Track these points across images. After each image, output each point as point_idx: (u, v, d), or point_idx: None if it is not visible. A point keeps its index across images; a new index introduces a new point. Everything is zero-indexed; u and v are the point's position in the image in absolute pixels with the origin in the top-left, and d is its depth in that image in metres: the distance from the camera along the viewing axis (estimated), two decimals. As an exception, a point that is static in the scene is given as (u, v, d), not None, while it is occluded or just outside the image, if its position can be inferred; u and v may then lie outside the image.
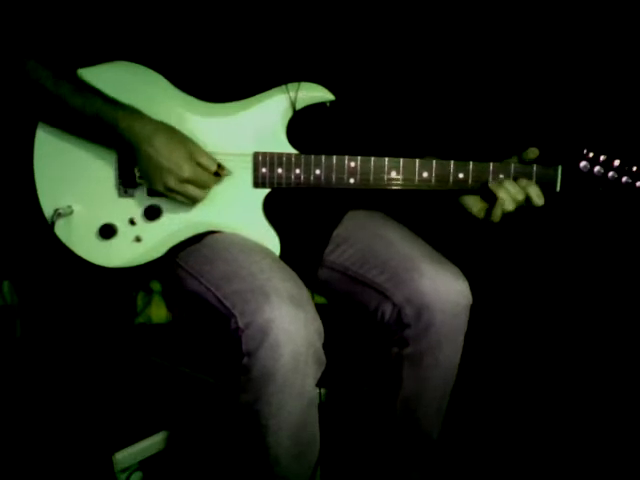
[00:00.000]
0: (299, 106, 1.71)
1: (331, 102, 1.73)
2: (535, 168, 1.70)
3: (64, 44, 1.68)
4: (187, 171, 1.63)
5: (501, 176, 1.70)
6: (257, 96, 1.72)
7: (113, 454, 2.05)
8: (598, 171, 1.69)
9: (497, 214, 1.71)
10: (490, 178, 1.71)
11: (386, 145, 1.85)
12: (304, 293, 1.60)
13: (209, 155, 1.67)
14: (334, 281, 1.87)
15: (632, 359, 2.64)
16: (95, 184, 1.72)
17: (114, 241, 1.72)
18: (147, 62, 1.69)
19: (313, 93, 1.71)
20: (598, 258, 2.67)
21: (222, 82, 1.72)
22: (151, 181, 1.67)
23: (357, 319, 1.87)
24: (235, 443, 1.69)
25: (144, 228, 1.73)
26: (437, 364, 1.77)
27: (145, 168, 1.66)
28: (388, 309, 1.77)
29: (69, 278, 1.88)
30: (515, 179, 1.69)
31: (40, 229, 1.72)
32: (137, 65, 1.69)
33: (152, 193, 1.71)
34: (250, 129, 1.71)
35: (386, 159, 1.71)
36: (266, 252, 1.70)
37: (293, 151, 1.71)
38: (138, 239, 1.73)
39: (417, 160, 1.71)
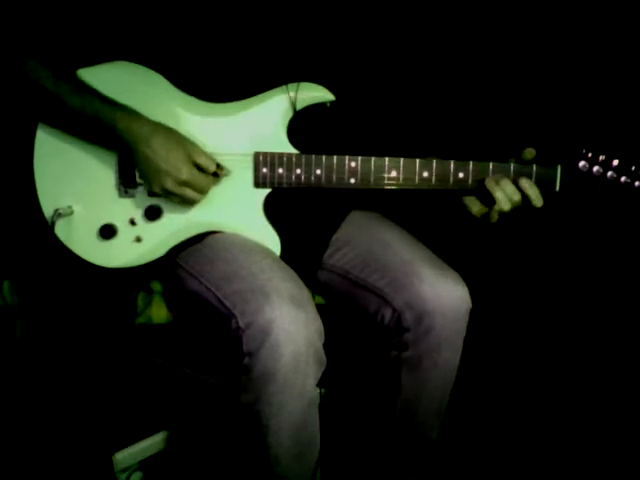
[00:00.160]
0: (299, 106, 1.71)
1: (331, 102, 1.73)
2: (534, 168, 1.70)
3: (64, 44, 1.68)
4: (185, 174, 1.64)
5: (499, 175, 1.70)
6: (258, 96, 1.72)
7: (113, 454, 2.05)
8: (597, 171, 1.70)
9: (493, 214, 1.71)
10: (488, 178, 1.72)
11: (386, 145, 1.85)
12: (305, 293, 1.61)
13: (208, 155, 1.68)
14: (334, 284, 1.88)
15: (632, 360, 2.64)
16: (95, 184, 1.72)
17: (114, 241, 1.72)
18: (147, 62, 1.69)
19: (313, 93, 1.71)
20: (597, 258, 2.67)
21: (222, 82, 1.73)
22: (149, 182, 1.67)
23: (357, 321, 1.87)
24: (235, 443, 1.69)
25: (144, 228, 1.73)
26: (436, 367, 1.78)
27: (143, 169, 1.66)
28: (388, 313, 1.77)
29: (69, 278, 1.88)
30: (515, 179, 1.70)
31: (40, 229, 1.72)
32: (137, 65, 1.69)
33: (152, 193, 1.70)
34: (251, 129, 1.71)
35: (386, 159, 1.71)
36: (266, 252, 1.70)
37: (294, 151, 1.71)
38: (138, 239, 1.73)
39: (417, 160, 1.71)
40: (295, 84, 1.71)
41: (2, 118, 1.72)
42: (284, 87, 1.71)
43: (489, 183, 1.70)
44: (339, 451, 2.00)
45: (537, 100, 2.50)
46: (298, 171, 1.71)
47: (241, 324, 1.52)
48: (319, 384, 1.61)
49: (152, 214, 1.72)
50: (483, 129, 2.48)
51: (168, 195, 1.67)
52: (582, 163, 1.70)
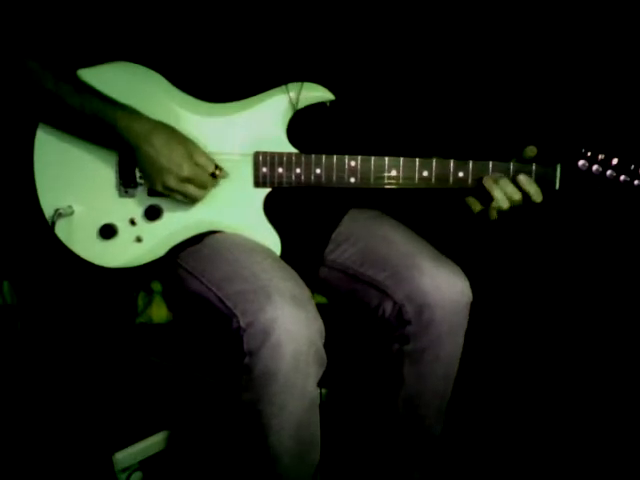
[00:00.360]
0: (299, 106, 1.71)
1: (331, 102, 1.73)
2: (534, 167, 1.71)
3: (64, 44, 1.68)
4: (186, 170, 1.64)
5: (498, 175, 1.71)
6: (257, 96, 1.72)
7: (113, 454, 2.05)
8: (597, 169, 1.70)
9: (492, 212, 1.71)
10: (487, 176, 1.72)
11: (386, 144, 1.86)
12: (305, 293, 1.61)
13: (207, 156, 1.68)
14: (335, 280, 1.88)
15: (631, 354, 2.64)
16: (95, 184, 1.72)
17: (115, 241, 1.72)
18: (147, 62, 1.69)
19: (313, 93, 1.72)
20: (597, 256, 2.68)
21: (222, 82, 1.73)
22: (151, 181, 1.67)
23: (358, 317, 1.87)
24: (236, 443, 1.69)
25: (145, 228, 1.73)
26: (438, 361, 1.78)
27: (145, 168, 1.66)
28: (389, 307, 1.77)
29: (69, 278, 1.87)
30: (514, 177, 1.70)
31: (40, 229, 1.72)
32: (137, 65, 1.69)
33: (152, 193, 1.71)
34: (251, 129, 1.71)
35: (386, 158, 1.71)
36: (267, 252, 1.70)
37: (293, 151, 1.71)
38: (139, 239, 1.73)
39: (417, 159, 1.71)
40: (295, 84, 1.71)
41: (2, 118, 1.72)
42: (284, 87, 1.71)
43: (487, 182, 1.70)
44: (340, 451, 2.00)
45: (537, 99, 2.50)
46: (298, 171, 1.71)
47: (242, 324, 1.52)
48: (320, 384, 1.61)
49: (152, 214, 1.72)
50: (483, 128, 2.48)
51: (170, 193, 1.67)
52: (582, 162, 1.70)
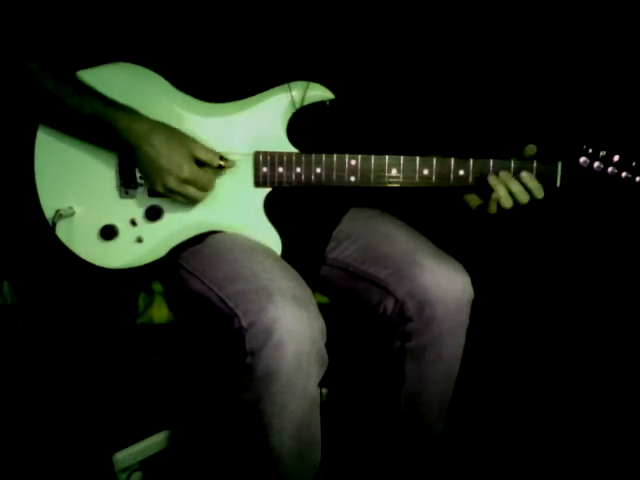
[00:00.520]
0: (299, 105, 1.71)
1: (331, 101, 1.73)
2: (535, 164, 1.71)
3: (64, 45, 1.68)
4: (187, 171, 1.63)
5: (503, 173, 1.70)
6: (257, 96, 1.72)
7: (113, 454, 2.05)
8: (598, 166, 1.70)
9: (492, 207, 1.71)
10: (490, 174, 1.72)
11: (386, 143, 1.86)
12: (307, 293, 1.61)
13: (209, 149, 1.67)
14: (336, 278, 1.88)
15: (631, 352, 2.64)
16: (96, 185, 1.72)
17: (115, 242, 1.72)
18: (147, 63, 1.69)
19: (313, 92, 1.71)
20: (598, 253, 2.68)
21: (222, 82, 1.72)
22: (151, 181, 1.67)
23: (359, 315, 1.87)
24: (237, 443, 1.69)
25: (145, 229, 1.73)
26: (440, 358, 1.78)
27: (145, 168, 1.66)
28: (390, 304, 1.77)
29: (70, 279, 1.87)
30: (516, 175, 1.70)
31: (41, 230, 1.72)
32: (137, 66, 1.69)
33: (153, 193, 1.71)
34: (250, 129, 1.71)
35: (386, 157, 1.71)
36: (268, 252, 1.70)
37: (294, 150, 1.71)
38: (139, 240, 1.72)
39: (417, 158, 1.71)
40: (295, 83, 1.71)
41: (3, 119, 1.72)
42: (284, 86, 1.71)
43: (492, 180, 1.70)
44: (341, 451, 2.00)
45: (537, 96, 2.50)
46: (298, 170, 1.70)
47: (244, 324, 1.51)
48: (321, 384, 1.61)
49: (153, 214, 1.72)
50: (483, 126, 2.48)
51: (171, 194, 1.67)
52: (583, 159, 1.70)
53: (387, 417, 1.86)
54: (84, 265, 1.73)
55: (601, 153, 1.69)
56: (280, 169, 1.70)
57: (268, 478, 1.65)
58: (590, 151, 1.70)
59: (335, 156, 1.70)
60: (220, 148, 1.69)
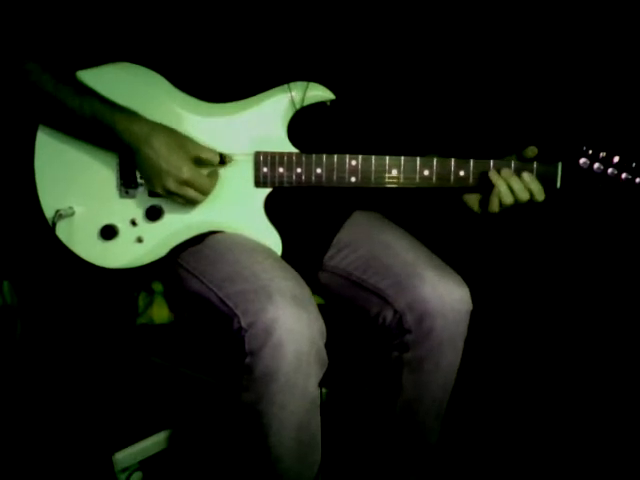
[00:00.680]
0: (300, 105, 1.71)
1: (332, 101, 1.73)
2: (535, 165, 1.71)
3: (64, 46, 1.68)
4: (186, 173, 1.63)
5: (505, 171, 1.70)
6: (258, 96, 1.71)
7: (113, 454, 2.05)
8: (598, 168, 1.70)
9: (494, 206, 1.71)
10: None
11: (387, 143, 1.86)
12: (306, 293, 1.60)
13: (209, 148, 1.67)
14: (336, 285, 1.87)
15: (632, 361, 2.64)
16: (96, 185, 1.71)
17: (115, 242, 1.72)
18: (148, 63, 1.69)
19: (314, 92, 1.71)
20: (599, 255, 2.67)
21: (223, 82, 1.72)
22: (150, 183, 1.67)
23: (358, 322, 1.86)
24: (236, 443, 1.69)
25: (145, 229, 1.72)
26: (437, 369, 1.78)
27: (144, 170, 1.65)
28: (389, 315, 1.77)
29: (70, 279, 1.87)
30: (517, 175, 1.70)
31: (41, 230, 1.72)
32: (138, 66, 1.69)
33: (153, 193, 1.70)
34: (251, 129, 1.71)
35: (387, 157, 1.71)
36: (268, 252, 1.70)
37: (294, 150, 1.71)
38: (139, 240, 1.72)
39: (418, 158, 1.71)
40: (295, 83, 1.70)
41: (3, 119, 1.72)
42: (284, 86, 1.71)
43: (493, 176, 1.69)
44: (341, 451, 2.00)
45: (537, 97, 2.50)
46: (298, 170, 1.70)
47: (243, 324, 1.51)
48: (321, 384, 1.61)
49: (153, 214, 1.71)
50: (484, 127, 2.48)
51: (170, 195, 1.67)
52: (583, 160, 1.70)
53: (383, 425, 1.85)
54: (84, 265, 1.73)
55: (601, 154, 1.69)
56: (280, 169, 1.70)
57: (268, 478, 1.64)
58: (590, 152, 1.70)
59: (335, 156, 1.70)
60: (220, 148, 1.69)
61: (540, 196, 1.70)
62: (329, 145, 1.75)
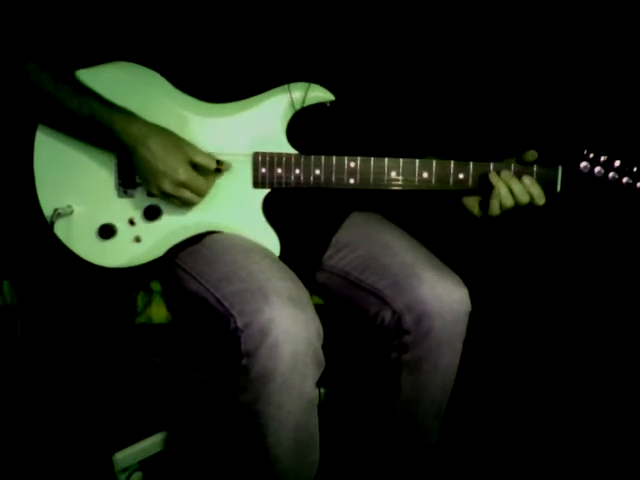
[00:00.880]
0: (299, 106, 1.71)
1: (331, 102, 1.73)
2: (535, 168, 1.70)
3: (63, 45, 1.68)
4: (182, 174, 1.63)
5: (505, 172, 1.70)
6: (257, 96, 1.71)
7: (113, 454, 2.05)
8: (599, 172, 1.69)
9: (494, 209, 1.70)
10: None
11: (386, 145, 1.86)
12: (304, 293, 1.60)
13: (206, 154, 1.67)
14: (334, 285, 1.87)
15: (632, 362, 2.63)
16: (95, 184, 1.72)
17: (114, 241, 1.72)
18: (147, 63, 1.69)
19: (313, 93, 1.71)
20: (599, 259, 2.67)
21: (222, 82, 1.72)
22: (147, 184, 1.67)
23: (356, 323, 1.86)
24: (235, 443, 1.69)
25: (144, 228, 1.73)
26: (436, 370, 1.77)
27: (141, 171, 1.66)
28: (388, 315, 1.76)
29: (69, 278, 1.88)
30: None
31: (40, 229, 1.72)
32: (137, 66, 1.69)
33: (151, 194, 1.70)
34: (250, 129, 1.71)
35: (386, 159, 1.70)
36: (265, 252, 1.70)
37: (293, 151, 1.71)
38: (138, 239, 1.72)
39: (417, 160, 1.71)
40: (295, 84, 1.70)
41: (2, 119, 1.72)
42: (283, 87, 1.70)
43: (493, 178, 1.69)
44: (339, 452, 2.00)
45: (538, 100, 2.49)
46: (297, 171, 1.70)
47: (239, 324, 1.51)
48: (319, 384, 1.61)
49: (151, 214, 1.72)
50: (484, 130, 2.47)
51: (166, 197, 1.67)
52: (583, 164, 1.69)
53: (382, 425, 1.85)
54: (83, 264, 1.73)
55: (602, 158, 1.69)
56: (279, 170, 1.70)
57: (267, 478, 1.65)
58: (591, 156, 1.69)
59: (334, 158, 1.70)
60: (219, 148, 1.69)
61: (540, 200, 1.69)
62: (328, 146, 1.75)
